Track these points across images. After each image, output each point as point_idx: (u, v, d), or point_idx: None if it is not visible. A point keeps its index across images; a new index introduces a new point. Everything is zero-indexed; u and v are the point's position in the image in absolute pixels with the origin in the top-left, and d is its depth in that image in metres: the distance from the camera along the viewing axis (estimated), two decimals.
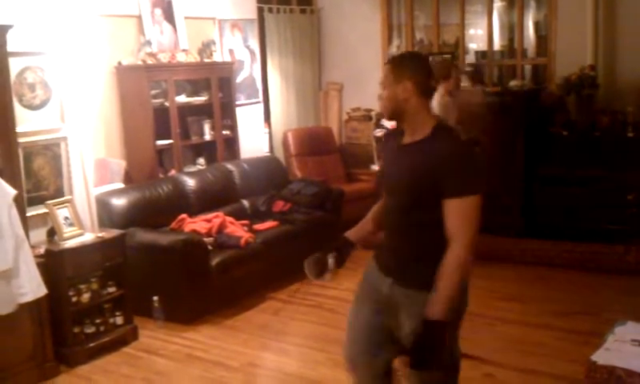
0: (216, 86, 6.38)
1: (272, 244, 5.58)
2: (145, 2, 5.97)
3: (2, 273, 3.78)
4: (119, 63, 5.75)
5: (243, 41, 7.18)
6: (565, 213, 6.03)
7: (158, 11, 6.10)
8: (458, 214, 2.37)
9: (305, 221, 6.04)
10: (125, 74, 5.76)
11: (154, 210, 5.41)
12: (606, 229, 5.82)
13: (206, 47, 6.45)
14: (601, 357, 2.97)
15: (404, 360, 2.56)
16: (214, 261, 5.06)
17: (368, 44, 7.94)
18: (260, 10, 7.41)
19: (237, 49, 7.08)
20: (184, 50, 6.21)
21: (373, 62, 7.96)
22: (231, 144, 6.65)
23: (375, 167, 7.69)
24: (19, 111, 4.45)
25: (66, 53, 4.87)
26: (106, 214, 5.10)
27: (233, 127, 6.63)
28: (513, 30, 7.46)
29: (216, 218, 5.56)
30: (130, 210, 5.24)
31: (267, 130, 7.67)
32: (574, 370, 3.71)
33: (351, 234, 2.98)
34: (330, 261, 2.86)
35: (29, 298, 3.93)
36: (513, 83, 6.56)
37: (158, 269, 4.95)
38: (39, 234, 4.48)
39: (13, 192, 3.90)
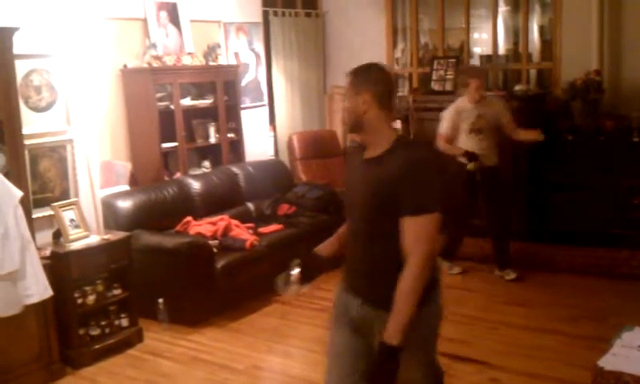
0: (221, 89, 6.38)
1: (277, 247, 5.57)
2: (150, 4, 5.98)
3: (9, 274, 3.79)
4: (125, 66, 5.76)
5: (248, 44, 7.19)
6: (570, 217, 6.01)
7: (164, 14, 6.11)
8: (413, 233, 2.31)
9: (309, 224, 6.04)
10: (130, 77, 5.77)
11: (160, 213, 5.42)
12: (612, 233, 5.80)
13: (211, 50, 6.46)
14: (608, 362, 2.96)
15: None
16: (219, 263, 5.06)
17: (373, 48, 7.94)
18: (265, 14, 7.42)
19: (242, 52, 7.09)
20: (189, 53, 6.22)
21: None
22: (236, 147, 6.65)
23: None
24: (25, 113, 4.45)
25: (72, 55, 4.87)
26: (111, 216, 5.11)
27: (238, 130, 6.64)
28: (518, 34, 7.45)
29: (221, 220, 5.56)
30: (136, 213, 5.25)
31: (272, 133, 7.67)
32: (581, 375, 3.70)
33: (322, 248, 2.88)
34: (293, 275, 2.76)
35: (35, 299, 3.94)
36: (518, 88, 6.56)
37: (164, 271, 4.96)
38: (45, 236, 4.47)
39: (19, 194, 3.90)
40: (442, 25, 7.57)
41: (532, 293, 5.43)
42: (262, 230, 5.78)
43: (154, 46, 5.89)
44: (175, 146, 5.94)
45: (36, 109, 4.70)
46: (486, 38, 7.72)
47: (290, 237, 5.82)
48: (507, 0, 7.77)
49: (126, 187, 5.53)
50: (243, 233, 5.53)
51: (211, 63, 6.41)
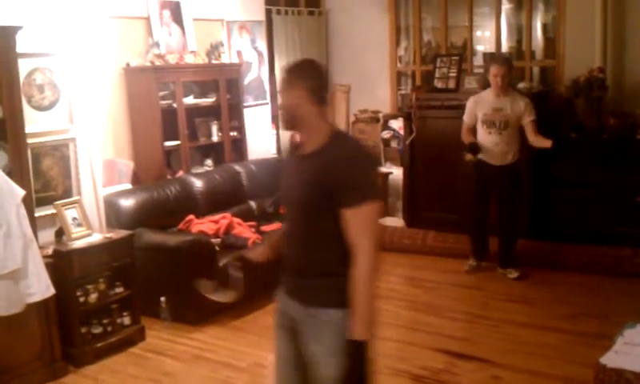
0: (224, 87, 6.39)
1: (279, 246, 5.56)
2: (153, 3, 5.99)
3: (11, 273, 3.80)
4: (127, 64, 5.76)
5: (251, 42, 7.19)
6: (573, 215, 6.00)
7: (167, 13, 6.12)
8: (356, 225, 2.31)
9: None
10: (133, 76, 5.78)
11: (162, 211, 5.43)
12: (615, 231, 5.79)
13: (214, 49, 6.46)
14: (610, 359, 2.97)
15: None
16: (222, 262, 5.06)
17: (376, 46, 7.95)
18: (268, 12, 7.42)
19: (245, 50, 7.09)
20: (192, 52, 6.22)
21: (380, 64, 7.96)
22: (239, 145, 6.65)
23: (383, 169, 7.68)
24: (28, 112, 4.46)
25: (75, 54, 4.88)
26: (113, 215, 5.12)
27: (240, 128, 6.64)
28: (521, 32, 7.45)
29: (223, 219, 5.57)
30: (138, 211, 5.25)
31: (275, 132, 7.67)
32: (583, 372, 3.70)
33: (254, 254, 2.93)
34: (209, 283, 2.85)
35: (37, 298, 3.95)
36: (521, 85, 6.53)
37: (166, 269, 4.96)
38: (47, 235, 4.49)
39: (21, 192, 3.91)
40: (445, 23, 7.56)
41: (534, 290, 5.43)
42: (265, 228, 5.78)
43: (156, 44, 5.90)
44: (178, 145, 5.94)
45: (39, 107, 4.71)
46: (490, 35, 7.71)
47: None
48: None
49: (129, 186, 5.54)
50: (245, 231, 5.54)
51: (214, 62, 6.41)
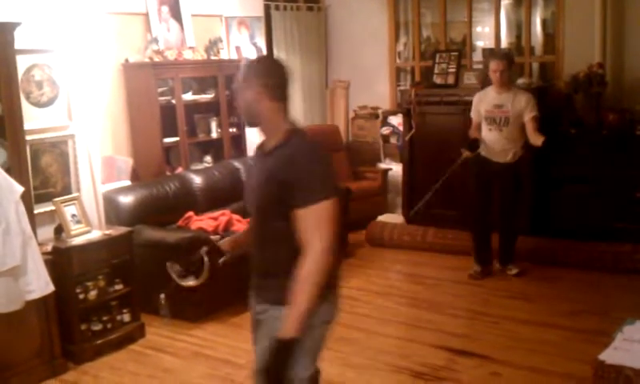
0: (223, 83, 6.37)
1: None
2: None
3: (10, 270, 3.79)
4: (126, 61, 5.75)
5: (250, 38, 7.18)
6: (573, 211, 6.01)
7: (165, 9, 6.10)
8: (308, 224, 2.27)
9: None
10: (132, 72, 5.76)
11: (161, 208, 5.42)
12: (615, 227, 5.79)
13: (212, 45, 6.45)
14: (609, 356, 2.97)
15: None
16: (221, 258, 5.04)
17: (375, 42, 7.93)
18: (267, 8, 7.41)
19: (244, 46, 7.08)
20: (191, 48, 6.21)
21: (380, 60, 7.95)
22: (238, 142, 6.65)
23: (382, 165, 7.68)
24: (27, 109, 4.45)
25: (74, 50, 4.86)
26: (113, 212, 5.11)
27: (240, 125, 6.62)
28: (520, 28, 7.44)
29: (223, 215, 5.56)
30: (137, 208, 5.24)
31: None
32: (582, 369, 3.70)
33: (225, 240, 2.94)
34: (180, 269, 2.82)
35: (36, 295, 3.94)
36: (520, 81, 6.52)
37: (165, 266, 4.94)
38: (47, 232, 4.48)
39: (20, 189, 3.90)
40: (445, 18, 7.55)
41: (534, 287, 5.43)
42: None
43: (155, 40, 5.89)
44: (177, 141, 5.93)
45: (37, 104, 4.70)
46: (489, 31, 7.70)
47: None
48: None
49: (128, 182, 5.53)
50: (245, 228, 5.52)
51: (213, 58, 6.40)
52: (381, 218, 7.09)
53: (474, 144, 5.44)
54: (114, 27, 5.63)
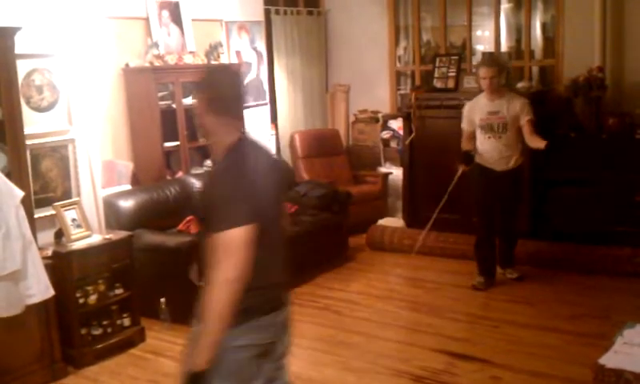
0: None
1: None
2: (152, 4, 5.99)
3: (10, 274, 3.79)
4: (126, 65, 5.76)
5: (250, 43, 7.19)
6: (572, 215, 6.00)
7: (166, 13, 6.11)
8: (217, 251, 2.18)
9: (312, 223, 6.05)
10: (132, 76, 5.77)
11: (162, 212, 5.42)
12: (615, 230, 5.79)
13: (213, 49, 6.45)
14: (609, 360, 2.96)
15: None
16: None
17: (375, 46, 7.95)
18: (267, 12, 7.42)
19: (244, 51, 7.09)
20: (191, 52, 6.22)
21: (380, 64, 7.96)
22: None
23: (382, 169, 7.69)
24: (27, 113, 4.46)
25: (74, 55, 4.88)
26: (113, 216, 5.11)
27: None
28: (520, 32, 7.45)
29: None
30: (138, 212, 5.25)
31: (274, 132, 7.67)
32: (582, 373, 3.69)
33: None
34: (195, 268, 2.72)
35: (36, 299, 3.94)
36: (520, 85, 6.53)
37: (165, 270, 4.95)
38: (47, 236, 4.48)
39: (21, 194, 3.91)
40: (445, 22, 7.56)
41: (534, 291, 5.42)
42: None
43: (155, 45, 5.89)
44: (177, 145, 5.93)
45: (38, 109, 4.71)
46: (489, 35, 7.71)
47: (292, 235, 5.81)
48: None
49: (128, 187, 5.53)
50: None
51: (213, 62, 6.40)
52: (381, 221, 7.09)
53: (469, 157, 5.33)
54: (114, 32, 5.64)
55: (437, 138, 6.48)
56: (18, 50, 4.09)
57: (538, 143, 5.15)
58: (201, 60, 6.27)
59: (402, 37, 8.09)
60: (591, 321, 4.74)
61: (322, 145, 7.67)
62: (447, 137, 6.17)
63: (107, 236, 4.66)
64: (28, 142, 4.33)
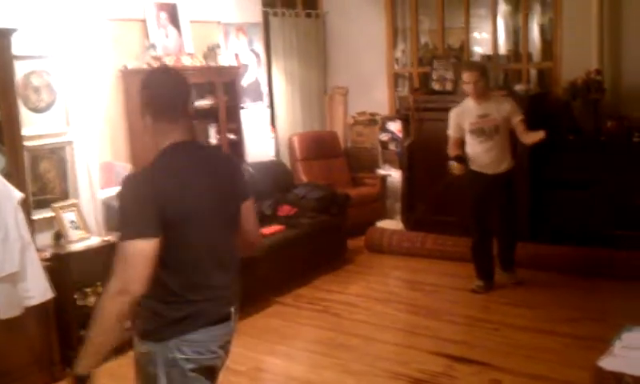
0: (221, 89, 6.37)
1: (278, 248, 5.58)
2: (150, 5, 5.98)
3: (9, 276, 3.79)
4: (124, 67, 5.74)
5: (248, 44, 7.18)
6: (571, 217, 6.01)
7: (163, 15, 6.10)
8: (115, 260, 2.13)
9: (310, 225, 6.05)
10: (130, 78, 5.75)
11: None
12: (613, 233, 5.79)
13: (211, 51, 6.44)
14: (608, 363, 2.96)
15: None
16: None
17: (373, 48, 7.95)
18: (265, 14, 7.41)
19: (242, 53, 7.08)
20: (189, 54, 6.21)
21: (378, 66, 7.96)
22: (236, 148, 6.63)
23: (381, 171, 7.69)
24: (25, 114, 4.46)
25: (72, 56, 4.87)
26: (111, 218, 5.09)
27: (238, 131, 6.62)
28: (518, 34, 7.45)
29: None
30: None
31: (273, 134, 7.66)
32: (581, 376, 3.69)
33: None
34: None
35: (35, 301, 3.94)
36: (518, 87, 6.54)
37: None
38: (45, 238, 4.48)
39: (19, 195, 3.90)
40: (442, 25, 7.57)
41: (533, 293, 5.42)
42: (263, 231, 5.76)
43: (153, 46, 5.88)
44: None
45: (35, 110, 4.70)
46: (487, 37, 7.71)
47: (291, 238, 5.83)
48: None
49: None
50: None
51: (211, 64, 6.39)
52: (380, 224, 7.09)
53: (461, 159, 5.27)
54: (111, 33, 5.63)
55: (435, 140, 6.45)
56: (15, 52, 4.09)
57: (535, 136, 5.10)
58: (199, 62, 6.26)
59: (399, 39, 8.10)
60: (590, 324, 4.74)
61: (320, 147, 7.67)
62: (445, 139, 6.16)
63: (106, 238, 4.65)
64: (26, 144, 4.32)
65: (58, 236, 4.47)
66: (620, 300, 5.17)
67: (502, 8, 7.62)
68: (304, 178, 7.23)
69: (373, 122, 7.90)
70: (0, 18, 4.33)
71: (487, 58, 7.44)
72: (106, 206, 5.07)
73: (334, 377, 4.17)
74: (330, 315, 5.20)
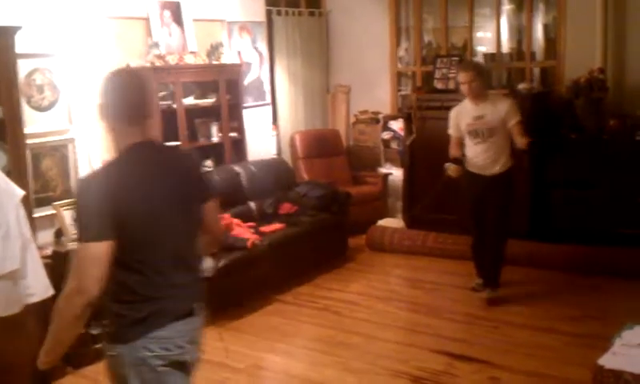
0: (224, 88, 6.38)
1: (278, 246, 5.59)
2: (153, 4, 5.99)
3: (9, 274, 3.78)
4: (127, 65, 5.75)
5: (251, 43, 7.19)
6: (573, 216, 6.00)
7: (167, 13, 6.12)
8: (73, 260, 2.18)
9: (311, 223, 6.05)
10: None
11: None
12: (614, 232, 5.78)
13: (214, 49, 6.46)
14: (608, 361, 2.96)
15: None
16: (221, 262, 5.06)
17: (376, 47, 7.94)
18: (268, 13, 7.42)
19: (245, 51, 7.09)
20: (192, 52, 6.22)
21: (381, 65, 7.96)
22: (239, 146, 6.65)
23: (382, 170, 7.69)
24: (27, 112, 4.48)
25: (75, 54, 4.89)
26: None
27: (240, 129, 6.64)
28: (521, 33, 7.44)
29: (223, 219, 5.56)
30: None
31: (275, 132, 7.67)
32: (581, 373, 3.69)
33: None
34: None
35: (36, 298, 3.93)
36: (521, 86, 6.54)
37: None
38: (46, 235, 4.49)
39: (20, 193, 3.90)
40: (446, 23, 7.56)
41: (533, 292, 5.42)
42: (264, 229, 5.78)
43: (156, 45, 5.90)
44: (177, 145, 5.94)
45: (38, 108, 4.72)
46: (490, 36, 7.70)
47: (292, 236, 5.83)
48: None
49: None
50: (245, 232, 5.54)
51: (214, 62, 6.40)
52: (381, 222, 7.09)
53: (458, 162, 5.19)
54: (115, 31, 5.64)
55: (437, 139, 6.43)
56: (19, 50, 4.11)
57: (521, 142, 4.99)
58: (202, 60, 6.28)
59: (403, 38, 8.09)
60: (590, 322, 4.74)
61: (322, 145, 7.67)
62: (448, 138, 6.16)
63: None
64: (28, 141, 4.34)
65: (59, 234, 4.48)
66: (621, 298, 5.16)
67: (506, 7, 7.62)
68: (305, 176, 7.23)
69: (375, 120, 7.90)
70: (4, 16, 4.35)
71: (490, 56, 7.43)
72: None
73: (334, 375, 4.18)
74: (331, 313, 5.20)
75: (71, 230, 4.49)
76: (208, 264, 2.70)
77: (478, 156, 5.16)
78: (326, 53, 8.23)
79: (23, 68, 4.48)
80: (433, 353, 4.40)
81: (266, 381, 4.33)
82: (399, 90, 8.06)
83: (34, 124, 4.62)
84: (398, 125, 7.54)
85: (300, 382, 4.14)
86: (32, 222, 4.08)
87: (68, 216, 4.52)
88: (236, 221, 5.67)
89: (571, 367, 4.01)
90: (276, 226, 5.89)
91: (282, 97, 7.63)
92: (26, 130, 4.25)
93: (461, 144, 5.29)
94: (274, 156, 7.49)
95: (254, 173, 6.43)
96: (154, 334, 2.25)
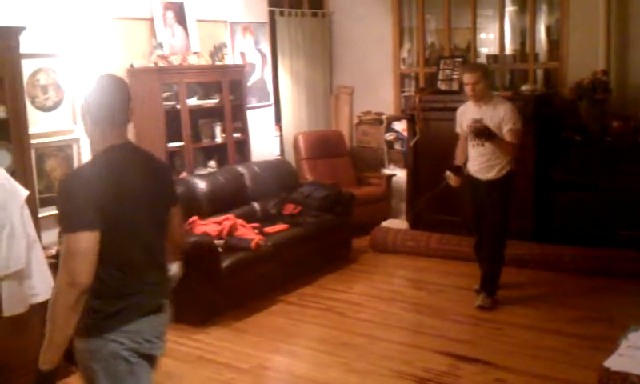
0: (227, 88, 6.38)
1: (282, 247, 5.58)
2: (157, 4, 6.00)
3: (15, 273, 3.80)
4: (131, 66, 5.76)
5: (255, 44, 7.20)
6: (577, 217, 6.00)
7: (170, 14, 6.12)
8: (61, 254, 2.21)
9: (315, 224, 6.05)
10: (137, 77, 5.77)
11: None
12: (619, 233, 5.78)
13: (217, 50, 6.47)
14: (614, 363, 2.96)
15: None
16: (225, 263, 5.06)
17: (379, 48, 7.95)
18: (271, 14, 7.43)
19: (248, 52, 7.10)
20: (196, 53, 6.23)
21: (384, 66, 7.96)
22: (242, 147, 6.65)
23: (386, 171, 7.69)
24: (32, 113, 4.48)
25: (79, 55, 4.89)
26: None
27: (244, 130, 6.64)
28: (524, 34, 7.44)
29: (227, 220, 5.56)
30: None
31: (278, 133, 7.67)
32: (586, 375, 3.69)
33: None
34: None
35: (40, 298, 3.94)
36: (524, 88, 6.53)
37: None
38: (51, 235, 4.49)
39: (25, 193, 3.91)
40: (449, 25, 7.56)
41: (537, 293, 5.41)
42: (268, 229, 5.78)
43: (160, 45, 5.90)
44: (181, 146, 5.94)
45: (42, 108, 4.73)
46: (493, 37, 7.71)
47: (296, 236, 5.83)
48: (514, 0, 7.76)
49: None
50: (249, 232, 5.54)
51: (217, 63, 6.42)
52: (384, 223, 7.09)
53: (457, 170, 5.20)
54: (119, 32, 5.65)
55: (440, 140, 6.46)
56: (23, 50, 4.11)
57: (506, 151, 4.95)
58: (205, 61, 6.28)
59: (406, 39, 8.09)
60: (595, 324, 4.73)
61: (325, 146, 7.67)
62: (451, 139, 6.14)
63: None
64: (33, 142, 4.34)
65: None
66: (626, 300, 5.14)
67: (509, 8, 7.62)
68: (309, 177, 7.23)
69: (378, 121, 7.89)
70: (8, 17, 4.36)
71: (493, 58, 7.44)
72: None
73: (338, 375, 4.17)
74: (335, 314, 5.20)
75: None
76: (174, 270, 2.74)
77: (476, 159, 5.12)
78: (329, 53, 8.23)
79: (27, 68, 4.49)
80: (437, 354, 4.40)
81: (271, 381, 4.33)
82: (402, 91, 8.06)
83: (39, 124, 4.62)
84: (401, 126, 7.54)
85: (304, 383, 4.13)
86: (37, 221, 4.08)
87: None
88: (240, 221, 5.67)
89: (577, 369, 4.01)
90: (280, 226, 5.89)
91: (286, 98, 7.64)
92: (31, 131, 4.25)
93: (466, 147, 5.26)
94: (278, 157, 7.49)
95: (258, 173, 6.43)
96: (125, 328, 2.32)
